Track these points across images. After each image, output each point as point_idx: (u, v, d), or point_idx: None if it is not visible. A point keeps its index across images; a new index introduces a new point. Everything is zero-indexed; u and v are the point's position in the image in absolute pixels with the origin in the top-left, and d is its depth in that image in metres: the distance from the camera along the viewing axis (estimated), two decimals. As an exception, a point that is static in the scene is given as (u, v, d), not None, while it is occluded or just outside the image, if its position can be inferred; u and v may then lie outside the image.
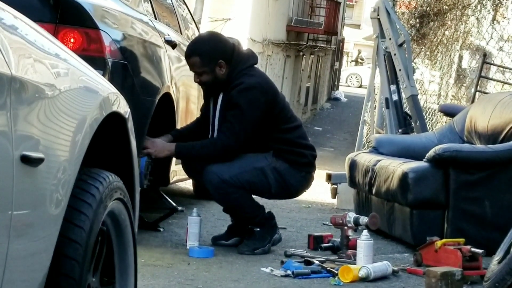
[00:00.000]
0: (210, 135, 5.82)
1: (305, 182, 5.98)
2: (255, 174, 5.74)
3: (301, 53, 27.93)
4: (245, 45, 14.76)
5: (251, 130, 5.71)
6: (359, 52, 57.71)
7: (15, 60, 2.03)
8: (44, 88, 2.18)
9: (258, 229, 5.84)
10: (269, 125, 5.80)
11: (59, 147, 2.27)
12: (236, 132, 5.67)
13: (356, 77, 53.04)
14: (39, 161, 2.09)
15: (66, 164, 2.29)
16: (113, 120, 2.67)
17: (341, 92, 41.26)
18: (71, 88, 2.39)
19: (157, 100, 5.72)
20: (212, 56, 5.73)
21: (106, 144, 2.72)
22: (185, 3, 8.05)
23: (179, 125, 6.33)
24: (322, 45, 30.53)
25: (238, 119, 5.68)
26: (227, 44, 5.86)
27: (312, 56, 30.49)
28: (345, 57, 51.94)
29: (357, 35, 58.47)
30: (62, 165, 2.27)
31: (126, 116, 2.78)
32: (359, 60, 57.34)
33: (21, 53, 2.10)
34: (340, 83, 46.03)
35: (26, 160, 2.03)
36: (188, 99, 6.82)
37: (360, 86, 47.76)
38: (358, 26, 59.85)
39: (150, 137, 5.67)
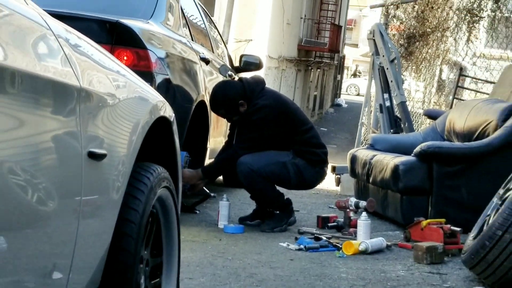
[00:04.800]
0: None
1: (319, 176, 5.99)
2: (278, 167, 5.74)
3: (310, 68, 27.91)
4: (264, 61, 14.78)
5: (257, 141, 5.77)
6: (357, 67, 57.58)
7: (83, 74, 2.05)
8: (106, 97, 2.19)
9: (278, 211, 5.86)
10: (288, 129, 5.81)
11: (118, 145, 2.29)
12: (243, 142, 5.79)
13: (354, 87, 52.89)
14: (102, 156, 2.11)
15: (124, 159, 2.31)
16: (161, 123, 2.69)
17: (343, 99, 41.10)
18: (128, 98, 2.41)
19: (194, 107, 5.74)
20: (233, 104, 5.75)
21: (156, 142, 2.73)
22: (215, 27, 8.08)
23: (212, 129, 6.38)
24: (326, 61, 30.42)
25: (247, 132, 5.79)
26: (237, 86, 5.82)
27: (319, 70, 30.47)
28: (345, 71, 51.65)
29: (355, 53, 58.24)
30: (121, 160, 2.29)
31: (171, 119, 2.79)
32: (357, 73, 57.23)
33: (88, 69, 2.12)
34: (341, 92, 45.86)
35: (92, 156, 2.05)
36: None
37: (358, 94, 47.56)
38: (356, 45, 59.64)
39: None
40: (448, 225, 5.35)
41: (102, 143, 2.13)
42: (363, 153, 7.12)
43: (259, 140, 5.77)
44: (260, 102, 5.76)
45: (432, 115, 8.73)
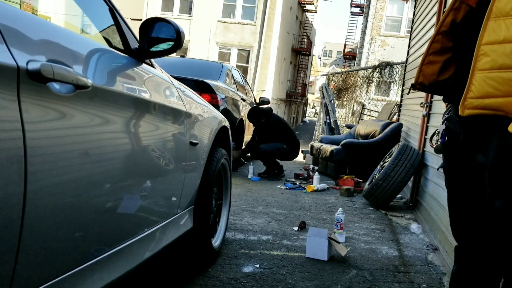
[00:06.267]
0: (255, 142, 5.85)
1: (297, 154, 5.93)
2: (277, 149, 5.70)
3: (291, 104, 27.76)
4: (271, 100, 14.78)
5: (268, 138, 5.67)
6: (314, 103, 57.21)
7: (187, 105, 2.05)
8: (198, 116, 2.18)
9: (276, 171, 5.84)
10: (282, 132, 5.78)
11: (203, 139, 2.26)
12: (262, 138, 5.70)
13: (312, 113, 52.44)
14: (196, 144, 2.11)
15: (206, 145, 2.29)
16: (223, 129, 2.68)
17: (306, 119, 40.72)
18: (208, 117, 2.39)
19: (238, 121, 5.72)
20: (257, 118, 5.66)
21: (221, 138, 2.72)
22: (247, 83, 8.03)
23: (246, 132, 6.31)
24: (299, 100, 30.25)
25: (264, 133, 5.70)
26: (260, 110, 5.73)
27: (295, 104, 30.23)
28: (308, 105, 51.22)
29: (313, 97, 57.72)
30: (205, 146, 2.28)
31: (228, 127, 2.78)
32: (314, 107, 56.82)
33: (190, 103, 2.11)
34: (306, 115, 45.51)
35: (191, 144, 2.04)
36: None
37: (314, 116, 47.15)
38: (313, 93, 59.10)
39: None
40: (356, 178, 5.33)
41: (196, 138, 2.12)
42: (316, 144, 7.06)
43: (269, 137, 5.71)
44: (270, 120, 5.72)
45: (349, 127, 8.62)
